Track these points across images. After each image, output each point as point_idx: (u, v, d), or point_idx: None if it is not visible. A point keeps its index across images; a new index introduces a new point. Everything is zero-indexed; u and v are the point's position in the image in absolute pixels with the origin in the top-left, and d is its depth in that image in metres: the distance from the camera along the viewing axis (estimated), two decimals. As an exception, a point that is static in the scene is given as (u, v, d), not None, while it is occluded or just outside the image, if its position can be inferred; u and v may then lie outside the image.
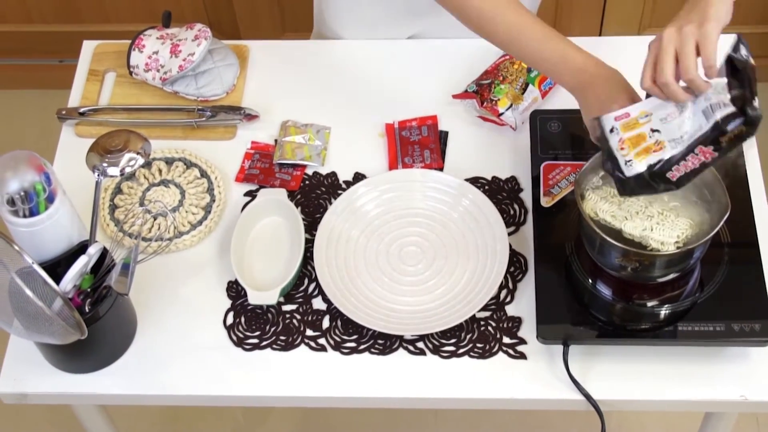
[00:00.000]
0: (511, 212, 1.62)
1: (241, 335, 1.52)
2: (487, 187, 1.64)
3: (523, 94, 1.67)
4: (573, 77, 1.44)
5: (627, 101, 1.39)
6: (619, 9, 2.63)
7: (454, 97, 1.71)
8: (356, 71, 1.78)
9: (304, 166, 1.68)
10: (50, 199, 1.41)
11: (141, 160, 1.48)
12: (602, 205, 1.46)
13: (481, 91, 1.67)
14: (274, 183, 1.66)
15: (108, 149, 1.48)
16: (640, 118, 1.36)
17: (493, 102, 1.66)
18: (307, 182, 1.66)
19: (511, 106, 1.66)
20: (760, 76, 2.85)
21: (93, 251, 1.41)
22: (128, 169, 1.48)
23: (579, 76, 1.43)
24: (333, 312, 1.53)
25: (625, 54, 1.78)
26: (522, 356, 1.48)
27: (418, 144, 1.67)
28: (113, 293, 1.42)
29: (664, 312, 1.47)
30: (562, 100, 1.70)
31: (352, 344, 1.51)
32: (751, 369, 1.45)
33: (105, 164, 1.47)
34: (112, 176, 1.47)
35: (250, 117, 1.69)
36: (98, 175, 1.47)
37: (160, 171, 1.69)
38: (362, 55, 1.80)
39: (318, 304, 1.55)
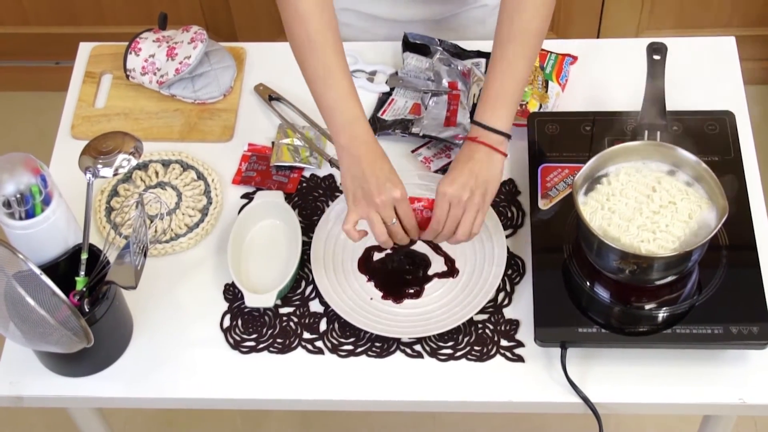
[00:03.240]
0: (509, 215, 1.62)
1: (237, 338, 1.52)
2: (484, 190, 1.64)
3: (546, 91, 1.68)
4: (352, 142, 1.44)
5: (403, 190, 1.43)
6: (617, 12, 2.64)
7: None
8: (354, 74, 1.78)
9: (302, 169, 1.68)
10: (46, 202, 1.41)
11: (134, 161, 1.48)
12: (596, 214, 1.46)
13: None
14: (271, 185, 1.66)
15: (101, 151, 1.48)
16: None
17: (523, 106, 1.66)
18: (304, 185, 1.66)
19: (540, 106, 1.67)
20: (757, 79, 2.87)
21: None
22: (121, 170, 1.48)
23: (359, 145, 1.44)
24: (330, 315, 1.53)
25: (622, 56, 1.78)
26: (520, 359, 1.48)
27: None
28: (109, 295, 1.42)
29: (662, 315, 1.47)
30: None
31: (350, 347, 1.50)
32: (750, 372, 1.45)
33: (99, 165, 1.47)
34: (104, 177, 1.47)
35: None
36: (90, 177, 1.46)
37: (156, 173, 1.69)
38: (361, 57, 1.80)
39: (315, 306, 1.54)
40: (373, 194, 1.43)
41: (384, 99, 1.73)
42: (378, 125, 1.69)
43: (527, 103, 1.67)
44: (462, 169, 1.45)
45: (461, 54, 1.76)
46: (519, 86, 1.48)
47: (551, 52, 1.73)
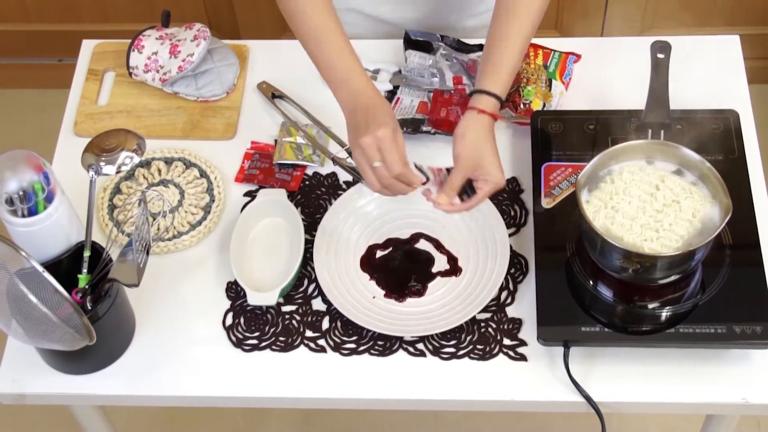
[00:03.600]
0: (512, 213, 1.62)
1: (240, 336, 1.52)
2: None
3: (550, 90, 1.68)
4: (350, 97, 1.46)
5: (392, 129, 1.42)
6: (621, 10, 2.63)
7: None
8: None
9: (304, 167, 1.68)
10: (49, 199, 1.41)
11: (137, 158, 1.48)
12: (599, 213, 1.46)
13: (512, 98, 1.68)
14: (273, 183, 1.66)
15: (103, 148, 1.48)
16: None
17: (527, 105, 1.66)
18: (307, 183, 1.66)
19: (544, 105, 1.67)
20: (762, 78, 2.86)
21: None
22: (124, 167, 1.48)
23: (355, 98, 1.46)
24: (333, 313, 1.53)
25: (627, 54, 1.78)
26: (522, 358, 1.48)
27: None
28: (112, 293, 1.42)
29: (665, 314, 1.47)
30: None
31: (352, 345, 1.51)
32: (753, 371, 1.45)
33: (101, 163, 1.47)
34: (107, 174, 1.47)
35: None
36: (93, 174, 1.47)
37: (159, 171, 1.69)
38: (364, 56, 1.80)
39: (318, 305, 1.54)
40: (359, 136, 1.43)
41: (389, 98, 1.73)
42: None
43: (531, 101, 1.67)
44: (493, 150, 1.46)
45: (464, 48, 1.75)
46: (518, 62, 1.51)
47: (555, 51, 1.73)
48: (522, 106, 1.67)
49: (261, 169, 1.68)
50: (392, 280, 1.55)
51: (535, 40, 1.72)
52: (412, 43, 1.76)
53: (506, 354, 1.48)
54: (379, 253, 1.58)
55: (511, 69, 1.50)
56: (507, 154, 1.67)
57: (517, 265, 1.56)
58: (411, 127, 1.68)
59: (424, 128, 1.68)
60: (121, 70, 1.80)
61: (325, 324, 1.53)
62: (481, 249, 1.57)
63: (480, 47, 1.75)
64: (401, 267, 1.56)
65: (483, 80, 1.49)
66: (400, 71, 1.76)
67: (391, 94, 1.74)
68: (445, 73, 1.72)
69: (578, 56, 1.74)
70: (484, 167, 1.46)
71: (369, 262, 1.57)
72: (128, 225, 1.61)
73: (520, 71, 1.69)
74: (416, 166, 1.48)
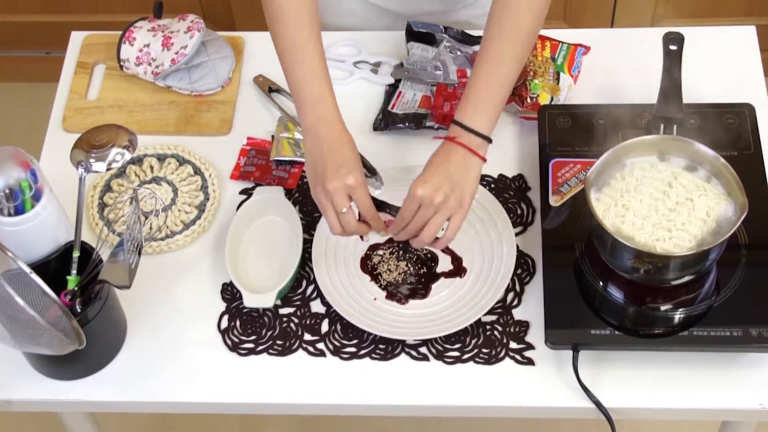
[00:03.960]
0: (519, 212, 1.62)
1: (236, 339, 1.52)
2: (493, 186, 1.64)
3: (558, 83, 1.68)
4: (316, 122, 1.45)
5: (361, 174, 1.44)
6: (632, 0, 2.63)
7: None
8: (357, 65, 1.78)
9: (302, 163, 1.68)
10: (36, 197, 1.41)
11: (128, 155, 1.48)
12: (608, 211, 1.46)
13: (519, 92, 1.67)
14: (270, 181, 1.66)
15: (93, 144, 1.48)
16: None
17: (534, 99, 1.66)
18: (305, 180, 1.66)
19: (552, 99, 1.67)
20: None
21: None
22: (115, 164, 1.48)
23: (321, 126, 1.45)
24: (332, 315, 1.53)
25: (638, 46, 1.78)
26: (530, 362, 1.48)
27: None
28: (102, 295, 1.42)
29: (678, 316, 1.46)
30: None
31: (352, 349, 1.51)
32: (770, 376, 1.45)
33: (91, 160, 1.47)
34: (97, 172, 1.47)
35: None
36: (82, 171, 1.47)
37: (151, 168, 1.69)
38: (365, 48, 1.80)
39: (316, 307, 1.54)
40: (326, 179, 1.42)
41: (391, 92, 1.73)
42: (389, 119, 1.69)
43: (538, 95, 1.67)
44: (436, 169, 1.43)
45: (468, 40, 1.75)
46: (506, 88, 1.47)
47: (563, 42, 1.73)
48: (529, 100, 1.67)
49: (257, 165, 1.68)
50: (394, 281, 1.55)
51: (542, 32, 1.72)
52: (414, 34, 1.76)
53: (513, 358, 1.48)
54: (381, 253, 1.58)
55: (500, 99, 1.46)
56: (513, 151, 1.67)
57: (523, 265, 1.56)
58: (414, 122, 1.68)
59: (428, 123, 1.68)
60: (112, 63, 1.80)
61: (325, 327, 1.53)
62: (486, 249, 1.57)
63: None
64: (403, 268, 1.56)
65: (471, 111, 1.45)
66: (401, 64, 1.76)
67: (393, 88, 1.74)
68: (448, 66, 1.72)
69: (587, 48, 1.74)
70: (460, 204, 1.44)
71: (370, 263, 1.57)
72: (119, 224, 1.61)
73: (527, 64, 1.69)
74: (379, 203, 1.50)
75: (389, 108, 1.71)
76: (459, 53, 1.73)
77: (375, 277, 1.56)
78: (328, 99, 1.46)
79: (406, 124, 1.68)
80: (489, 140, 1.45)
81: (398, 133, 1.69)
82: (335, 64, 1.75)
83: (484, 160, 1.45)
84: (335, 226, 1.45)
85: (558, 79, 1.69)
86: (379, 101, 1.73)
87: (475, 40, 1.75)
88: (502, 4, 1.46)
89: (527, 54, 1.48)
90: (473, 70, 1.47)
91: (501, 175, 1.65)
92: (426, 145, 1.65)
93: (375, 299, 1.54)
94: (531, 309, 1.52)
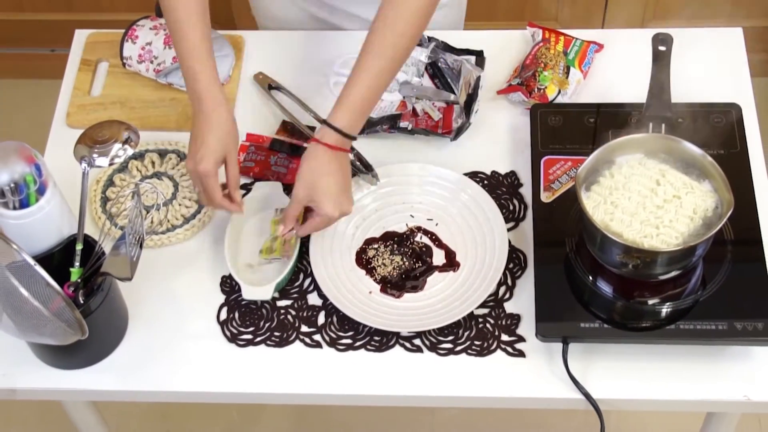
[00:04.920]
0: (511, 207, 1.62)
1: (234, 331, 1.52)
2: (486, 182, 1.64)
3: (567, 77, 1.68)
4: (194, 95, 1.51)
5: (215, 160, 1.49)
6: (622, 2, 2.63)
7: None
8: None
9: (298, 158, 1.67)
10: (41, 191, 1.41)
11: (130, 150, 1.48)
12: (597, 209, 1.46)
13: (527, 82, 1.68)
14: (269, 176, 1.66)
15: (96, 140, 1.48)
16: None
17: (541, 90, 1.66)
18: (303, 176, 1.66)
19: (559, 92, 1.67)
20: (765, 71, 2.86)
21: None
22: (117, 159, 1.48)
23: (198, 99, 1.51)
24: (328, 308, 1.53)
25: (628, 46, 1.78)
26: (521, 354, 1.48)
27: None
28: (104, 287, 1.42)
29: (665, 310, 1.47)
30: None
31: (348, 341, 1.51)
32: (755, 368, 1.45)
33: (94, 155, 1.47)
34: (100, 166, 1.47)
35: None
36: (85, 166, 1.47)
37: (153, 163, 1.69)
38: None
39: (313, 299, 1.54)
40: (189, 156, 1.51)
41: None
42: (367, 124, 1.68)
43: (546, 87, 1.67)
44: (330, 182, 1.48)
45: (452, 50, 1.74)
46: (378, 96, 1.51)
47: (576, 39, 1.73)
48: (536, 90, 1.67)
49: (257, 161, 1.68)
50: (389, 275, 1.55)
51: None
52: None
53: (504, 350, 1.48)
54: (376, 247, 1.58)
55: (363, 99, 1.49)
56: (505, 148, 1.67)
57: (515, 260, 1.56)
58: (387, 123, 1.68)
59: (402, 124, 1.67)
60: (115, 61, 1.79)
61: (321, 319, 1.53)
62: (479, 243, 1.57)
63: (467, 51, 1.75)
64: (398, 262, 1.56)
65: (334, 111, 1.50)
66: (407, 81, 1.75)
67: None
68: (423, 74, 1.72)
69: (600, 45, 1.74)
70: (316, 200, 1.49)
71: (365, 257, 1.57)
72: (121, 218, 1.60)
73: (539, 56, 1.69)
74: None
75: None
76: (441, 62, 1.72)
77: (370, 271, 1.56)
78: (207, 74, 1.51)
79: (382, 126, 1.67)
80: (354, 138, 1.51)
81: (375, 135, 1.68)
82: (344, 80, 1.74)
83: (350, 151, 1.53)
84: (201, 198, 1.55)
85: (568, 73, 1.69)
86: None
87: (457, 51, 1.74)
88: (379, 21, 1.49)
89: (399, 67, 1.52)
90: (355, 77, 1.50)
91: (494, 172, 1.65)
92: (401, 142, 1.66)
93: (370, 292, 1.54)
94: (522, 302, 1.52)
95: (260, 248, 1.57)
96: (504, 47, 1.78)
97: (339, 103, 1.50)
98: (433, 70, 1.72)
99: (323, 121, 1.50)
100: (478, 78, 1.67)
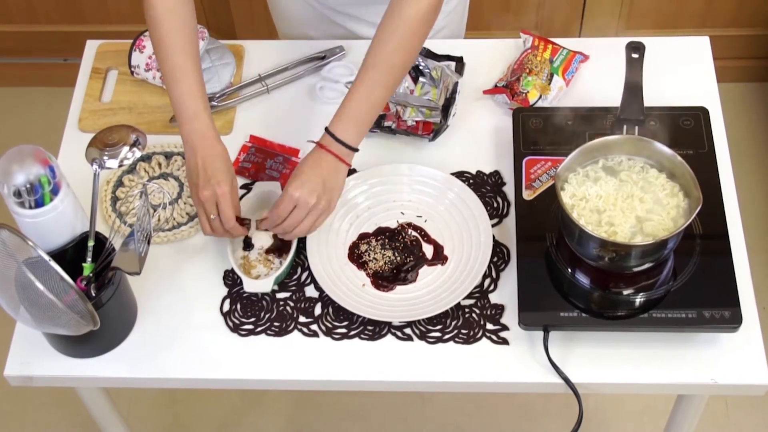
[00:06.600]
0: (495, 205, 1.62)
1: (237, 321, 1.52)
2: (471, 181, 1.64)
3: (549, 84, 1.68)
4: (192, 136, 1.49)
5: (230, 185, 1.48)
6: (598, 13, 2.63)
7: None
8: (347, 84, 1.78)
9: (295, 162, 1.67)
10: (55, 191, 1.40)
11: (138, 153, 1.49)
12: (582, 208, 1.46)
13: (511, 85, 1.68)
14: (263, 178, 1.65)
15: (106, 143, 1.48)
16: None
17: (523, 94, 1.66)
18: (300, 176, 1.66)
19: (540, 97, 1.67)
20: (730, 77, 2.86)
21: None
22: (126, 161, 1.48)
23: (197, 139, 1.49)
24: (325, 299, 1.53)
25: (603, 54, 1.78)
26: (504, 342, 1.48)
27: None
28: (115, 281, 1.41)
29: (639, 300, 1.47)
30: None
31: (343, 330, 1.50)
32: (721, 354, 1.45)
33: (104, 157, 1.47)
34: (110, 168, 1.47)
35: None
36: (97, 168, 1.46)
37: (159, 165, 1.68)
38: (360, 51, 1.80)
39: (310, 291, 1.54)
40: (199, 188, 1.48)
41: None
42: None
43: (528, 92, 1.67)
44: (310, 174, 1.47)
45: (434, 56, 1.74)
46: (374, 110, 1.50)
47: (564, 48, 1.73)
48: (519, 94, 1.67)
49: (253, 163, 1.67)
50: (380, 269, 1.55)
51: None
52: None
53: (489, 338, 1.48)
54: (369, 242, 1.57)
55: (359, 111, 1.49)
56: (489, 149, 1.67)
57: (499, 253, 1.56)
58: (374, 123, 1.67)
59: (385, 124, 1.67)
60: (124, 69, 1.79)
61: (318, 310, 1.52)
62: (465, 238, 1.56)
63: (447, 57, 1.74)
64: (389, 256, 1.56)
65: (341, 124, 1.48)
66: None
67: None
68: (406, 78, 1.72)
69: (586, 56, 1.74)
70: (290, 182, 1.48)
71: (357, 251, 1.56)
72: (130, 216, 1.60)
73: (526, 62, 1.69)
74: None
75: None
76: (423, 67, 1.72)
77: (362, 265, 1.55)
78: (202, 114, 1.49)
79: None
80: (355, 150, 1.50)
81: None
82: (331, 85, 1.74)
83: (349, 166, 1.50)
84: (205, 227, 1.50)
85: (551, 80, 1.69)
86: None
87: (439, 58, 1.74)
88: (378, 38, 1.49)
89: (398, 81, 1.52)
90: (350, 89, 1.50)
91: (479, 172, 1.65)
92: (384, 142, 1.66)
93: (364, 285, 1.54)
94: (506, 293, 1.52)
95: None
96: (502, 53, 1.78)
97: (339, 114, 1.49)
98: (416, 73, 1.71)
99: (332, 135, 1.48)
100: (456, 83, 1.68)
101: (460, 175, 1.64)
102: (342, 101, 1.50)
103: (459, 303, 1.50)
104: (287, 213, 1.48)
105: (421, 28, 1.48)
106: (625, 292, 1.48)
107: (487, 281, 1.54)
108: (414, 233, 1.58)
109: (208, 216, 1.48)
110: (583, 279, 1.49)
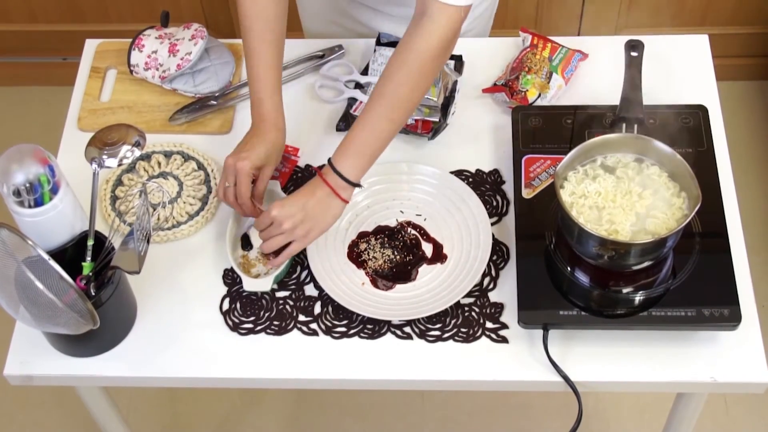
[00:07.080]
0: (494, 203, 1.62)
1: (236, 320, 1.52)
2: (471, 179, 1.64)
3: (549, 82, 1.68)
4: (256, 115, 1.56)
5: (253, 165, 1.51)
6: (597, 11, 2.63)
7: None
8: (346, 84, 1.78)
9: (295, 161, 1.67)
10: (54, 191, 1.40)
11: (137, 152, 1.48)
12: (583, 207, 1.46)
13: (510, 84, 1.68)
14: (266, 176, 1.65)
15: (106, 142, 1.48)
16: None
17: (522, 93, 1.66)
18: (299, 174, 1.66)
19: (539, 95, 1.67)
20: (729, 75, 2.86)
21: None
22: (125, 160, 1.48)
23: (258, 119, 1.55)
24: (324, 298, 1.53)
25: (603, 52, 1.78)
26: (504, 340, 1.48)
27: None
28: (114, 280, 1.41)
29: (638, 298, 1.47)
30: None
31: (343, 329, 1.50)
32: (720, 352, 1.45)
33: (104, 156, 1.47)
34: (109, 167, 1.47)
35: None
36: (96, 167, 1.46)
37: (159, 164, 1.68)
38: (355, 68, 1.79)
39: (310, 290, 1.54)
40: (231, 153, 1.53)
41: (355, 98, 1.72)
42: (349, 121, 1.68)
43: (527, 90, 1.66)
44: (299, 199, 1.47)
45: None
46: (379, 143, 1.48)
47: (563, 46, 1.73)
48: (518, 92, 1.67)
49: (256, 161, 1.67)
50: (380, 268, 1.55)
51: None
52: (383, 45, 1.75)
53: (489, 336, 1.48)
54: (368, 241, 1.57)
55: (364, 143, 1.47)
56: (489, 148, 1.67)
57: (498, 252, 1.56)
58: None
59: None
60: (123, 68, 1.79)
61: (317, 309, 1.52)
62: (465, 237, 1.56)
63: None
64: (389, 255, 1.56)
65: (342, 155, 1.47)
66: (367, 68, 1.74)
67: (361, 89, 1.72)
68: None
69: (585, 55, 1.74)
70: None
71: (356, 249, 1.56)
72: (130, 215, 1.60)
73: (525, 60, 1.69)
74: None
75: (351, 111, 1.70)
76: None
77: (361, 264, 1.55)
78: (266, 101, 1.55)
79: None
80: (355, 186, 1.48)
81: None
82: (330, 84, 1.74)
83: (346, 202, 1.48)
84: (219, 191, 1.54)
85: (550, 78, 1.69)
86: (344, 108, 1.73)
87: None
88: (388, 70, 1.46)
89: (405, 116, 1.48)
90: (355, 121, 1.48)
91: (478, 170, 1.65)
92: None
93: (363, 284, 1.54)
94: (505, 292, 1.52)
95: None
96: (501, 51, 1.78)
97: (341, 145, 1.48)
98: None
99: (333, 166, 1.47)
100: (455, 82, 1.67)
101: (459, 173, 1.64)
102: (348, 131, 1.48)
103: (458, 301, 1.50)
104: (264, 225, 1.48)
105: (431, 63, 1.44)
106: (625, 291, 1.48)
107: (487, 280, 1.54)
108: (413, 232, 1.58)
109: (225, 181, 1.51)
110: (583, 277, 1.49)
